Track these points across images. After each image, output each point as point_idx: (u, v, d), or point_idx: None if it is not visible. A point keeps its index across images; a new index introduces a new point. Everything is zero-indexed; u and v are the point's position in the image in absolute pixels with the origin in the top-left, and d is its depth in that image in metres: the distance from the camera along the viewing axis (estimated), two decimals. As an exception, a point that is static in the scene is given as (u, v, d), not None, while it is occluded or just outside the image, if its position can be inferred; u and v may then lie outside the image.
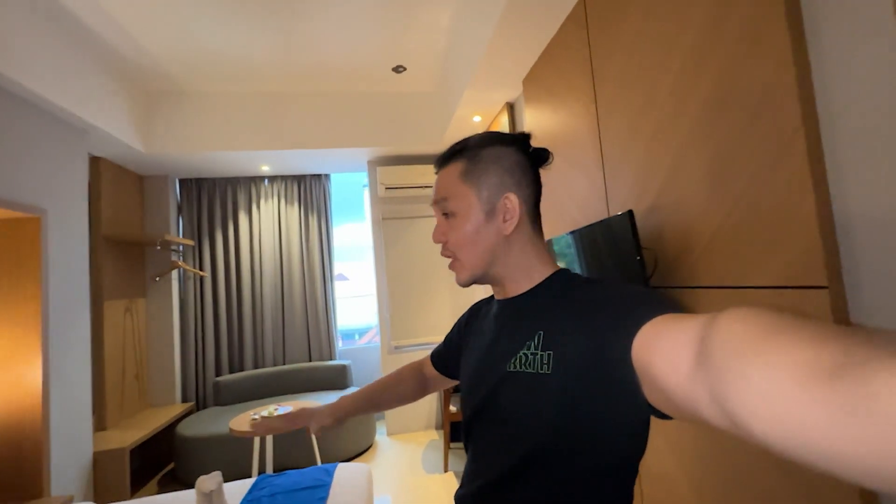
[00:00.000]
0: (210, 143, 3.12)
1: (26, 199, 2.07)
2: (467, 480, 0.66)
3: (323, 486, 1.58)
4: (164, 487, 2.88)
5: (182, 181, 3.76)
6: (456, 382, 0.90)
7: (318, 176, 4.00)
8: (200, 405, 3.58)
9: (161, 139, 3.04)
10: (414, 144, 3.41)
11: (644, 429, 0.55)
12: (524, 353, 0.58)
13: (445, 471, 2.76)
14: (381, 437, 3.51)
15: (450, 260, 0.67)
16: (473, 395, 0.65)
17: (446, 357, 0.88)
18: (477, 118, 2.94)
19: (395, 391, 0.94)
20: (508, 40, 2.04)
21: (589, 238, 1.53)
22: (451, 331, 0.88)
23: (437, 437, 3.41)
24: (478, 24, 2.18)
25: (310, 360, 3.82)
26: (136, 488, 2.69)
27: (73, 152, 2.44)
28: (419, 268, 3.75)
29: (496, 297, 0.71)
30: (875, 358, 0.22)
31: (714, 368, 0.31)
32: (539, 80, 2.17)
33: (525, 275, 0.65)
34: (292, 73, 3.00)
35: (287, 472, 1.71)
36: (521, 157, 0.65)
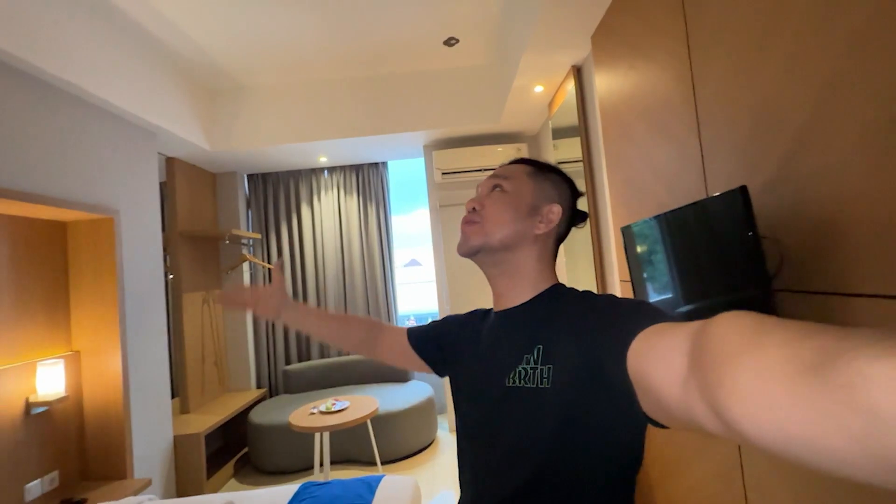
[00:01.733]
0: (269, 137, 3.14)
1: (100, 201, 2.20)
2: (467, 492, 0.65)
3: (363, 502, 1.45)
4: (239, 471, 3.04)
5: (250, 176, 3.90)
6: (419, 368, 0.88)
7: (376, 164, 3.92)
8: (273, 392, 3.75)
9: (224, 136, 3.13)
10: (470, 123, 3.15)
11: (641, 439, 0.56)
12: (523, 368, 0.58)
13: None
14: (443, 432, 3.40)
15: (478, 224, 0.67)
16: (472, 411, 0.66)
17: (425, 339, 0.86)
18: (539, 88, 2.60)
19: (341, 329, 0.92)
20: (572, -12, 1.69)
21: (679, 223, 1.19)
22: (440, 320, 0.87)
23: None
24: (535, -26, 1.85)
25: (372, 351, 3.80)
26: (214, 471, 2.86)
27: (143, 153, 2.56)
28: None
29: (495, 309, 0.71)
30: (848, 350, 0.23)
31: (705, 373, 0.31)
32: (612, 32, 1.79)
33: (529, 281, 0.66)
34: (342, 58, 2.89)
35: (331, 482, 1.62)
36: (572, 199, 0.71)
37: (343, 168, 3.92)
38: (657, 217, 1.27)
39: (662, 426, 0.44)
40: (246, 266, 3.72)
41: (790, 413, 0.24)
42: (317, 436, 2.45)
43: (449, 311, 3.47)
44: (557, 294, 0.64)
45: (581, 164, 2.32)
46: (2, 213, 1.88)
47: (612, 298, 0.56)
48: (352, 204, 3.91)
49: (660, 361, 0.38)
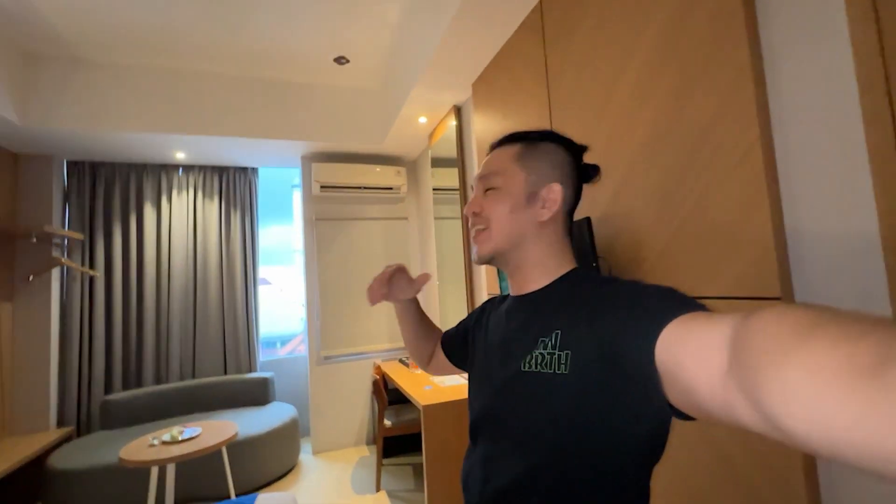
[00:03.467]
0: (111, 120, 2.67)
1: None
2: (475, 487, 0.62)
3: (237, 525, 1.34)
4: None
5: (71, 164, 3.19)
6: (455, 372, 0.90)
7: (244, 169, 3.63)
8: (82, 430, 3.01)
9: (44, 111, 2.54)
10: (354, 142, 3.23)
11: (663, 432, 0.53)
12: (540, 353, 0.56)
13: (377, 490, 2.58)
14: (305, 455, 3.22)
15: (474, 233, 0.66)
16: (482, 393, 0.65)
17: (452, 341, 0.87)
18: (423, 119, 2.85)
19: (423, 338, 0.93)
20: (460, 41, 1.98)
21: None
22: (467, 318, 0.86)
23: (367, 453, 3.20)
24: (428, 22, 2.09)
25: (225, 374, 3.41)
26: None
27: (-86, 115, 1.92)
28: (354, 273, 3.53)
29: (511, 293, 0.69)
30: None
31: (749, 370, 0.30)
32: (490, 83, 2.14)
33: (545, 269, 0.64)
34: (219, 52, 2.68)
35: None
36: (572, 161, 0.66)
37: (204, 168, 3.52)
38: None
39: (689, 418, 0.43)
40: (56, 273, 2.98)
41: (844, 416, 0.23)
42: (154, 473, 2.08)
43: (319, 334, 3.36)
44: (577, 279, 0.62)
45: (458, 192, 2.61)
46: None
47: (636, 284, 0.53)
48: (212, 209, 3.52)
49: (696, 354, 0.37)
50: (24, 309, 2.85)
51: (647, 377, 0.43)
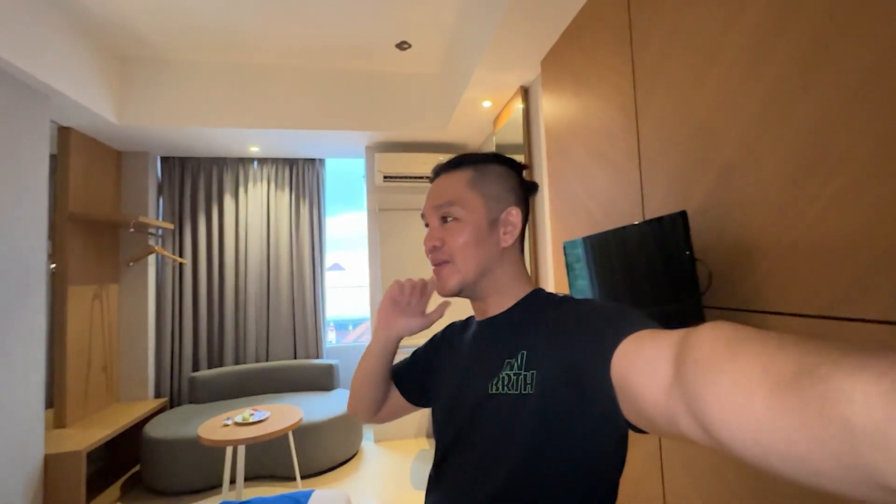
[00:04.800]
0: (193, 117, 2.84)
1: (-32, 169, 1.81)
2: None
3: (291, 522, 1.34)
4: (127, 493, 2.64)
5: (164, 159, 3.49)
6: (411, 411, 0.83)
7: (312, 160, 3.73)
8: (174, 402, 3.34)
9: (138, 110, 2.77)
10: (416, 130, 3.15)
11: (622, 446, 0.55)
12: (507, 374, 0.56)
13: (435, 488, 2.53)
14: (367, 443, 3.28)
15: (435, 266, 0.66)
16: (452, 421, 0.64)
17: (408, 377, 0.80)
18: (487, 103, 2.67)
19: (381, 382, 0.78)
20: (525, 15, 1.78)
21: (609, 243, 1.28)
22: (420, 348, 0.82)
23: (427, 446, 3.18)
24: (494, -6, 1.91)
25: (295, 358, 3.57)
26: (95, 494, 2.45)
27: (32, 118, 2.16)
28: (415, 262, 3.50)
29: (476, 318, 0.69)
30: (824, 363, 0.23)
31: (688, 382, 0.31)
32: (560, 60, 1.91)
33: (509, 291, 0.65)
34: (286, 45, 2.72)
35: (250, 501, 1.47)
36: (515, 178, 0.67)
37: (276, 161, 3.68)
38: (588, 238, 1.36)
39: (642, 431, 0.44)
40: (152, 259, 3.30)
41: (767, 424, 0.24)
42: (229, 450, 2.22)
43: (381, 318, 3.38)
44: (538, 300, 0.63)
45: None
46: None
47: (593, 303, 0.55)
48: (283, 200, 3.67)
49: (644, 369, 0.38)
50: (127, 291, 3.19)
51: (604, 394, 0.43)
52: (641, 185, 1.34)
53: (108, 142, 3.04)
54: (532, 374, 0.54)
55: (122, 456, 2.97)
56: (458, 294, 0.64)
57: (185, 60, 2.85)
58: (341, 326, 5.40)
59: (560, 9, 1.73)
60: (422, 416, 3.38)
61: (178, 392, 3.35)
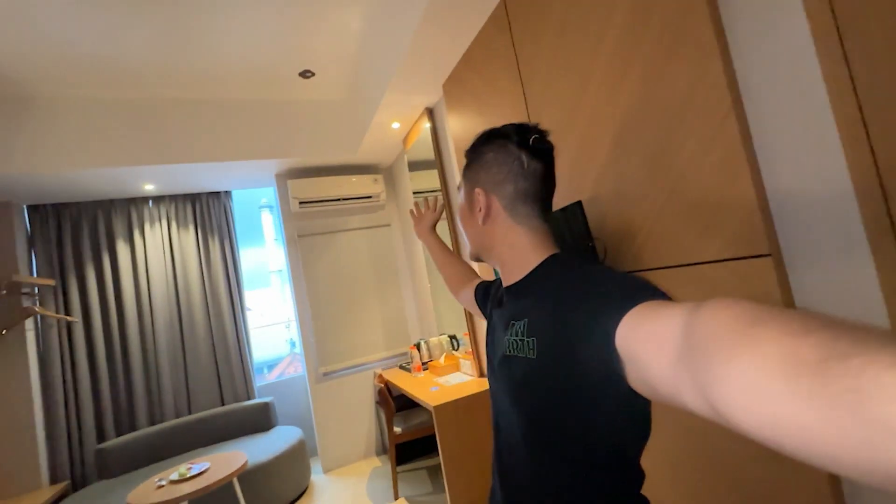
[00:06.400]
0: (72, 159, 2.56)
1: None
2: (502, 477, 0.68)
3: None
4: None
5: (32, 208, 3.04)
6: (476, 312, 1.03)
7: (217, 193, 3.55)
8: (79, 483, 2.88)
9: (-1, 156, 2.42)
10: (328, 154, 3.21)
11: (636, 418, 0.55)
12: (514, 339, 0.61)
13: (396, 498, 2.57)
14: (316, 475, 3.17)
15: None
16: (491, 373, 0.72)
17: (482, 293, 0.98)
18: (396, 124, 2.86)
19: (450, 264, 1.18)
20: (426, 43, 2.01)
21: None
22: (491, 283, 0.95)
23: (379, 463, 3.18)
24: (393, 29, 2.11)
25: (223, 404, 3.32)
26: None
27: None
28: (344, 285, 3.51)
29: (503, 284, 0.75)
30: (857, 353, 0.22)
31: (698, 358, 0.31)
32: (461, 82, 2.17)
33: (517, 264, 0.67)
34: (182, 76, 2.62)
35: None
36: (515, 149, 0.66)
37: (175, 197, 3.42)
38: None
39: (645, 400, 0.47)
40: (30, 323, 2.84)
41: (788, 411, 0.24)
42: (166, 513, 2.02)
43: (315, 351, 3.32)
44: (551, 267, 0.63)
45: (440, 192, 2.63)
46: None
47: (603, 272, 0.55)
48: (188, 238, 3.42)
49: (650, 341, 0.39)
50: (0, 365, 2.71)
51: (606, 362, 0.45)
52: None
53: (-43, 194, 2.58)
54: (533, 340, 0.57)
55: (15, 562, 2.48)
56: (476, 261, 0.77)
57: (56, 97, 2.57)
58: (256, 371, 5.07)
59: (457, 37, 1.98)
60: (368, 436, 3.37)
61: (81, 471, 2.90)
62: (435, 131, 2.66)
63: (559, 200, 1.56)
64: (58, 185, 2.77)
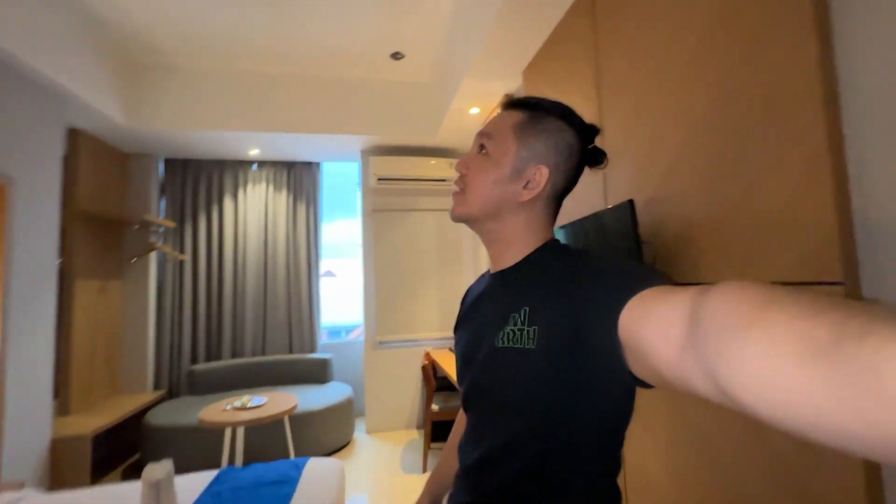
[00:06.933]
0: (197, 121, 3.00)
1: (-9, 165, 1.95)
2: (464, 454, 0.65)
3: (290, 482, 1.48)
4: (128, 478, 2.75)
5: (168, 161, 3.63)
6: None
7: (309, 164, 3.90)
8: (173, 394, 3.45)
9: (146, 114, 2.92)
10: (408, 135, 3.33)
11: (630, 398, 0.56)
12: (511, 329, 0.57)
13: (424, 472, 2.67)
14: (359, 434, 3.41)
15: (463, 193, 0.64)
16: (468, 371, 0.65)
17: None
18: (474, 110, 2.86)
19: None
20: (509, 30, 1.97)
21: (584, 230, 1.46)
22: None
23: (417, 436, 3.32)
24: (479, 13, 2.11)
25: (290, 352, 3.70)
26: (98, 477, 2.56)
27: (48, 119, 2.31)
28: (408, 263, 3.66)
29: (491, 271, 0.69)
30: (872, 332, 0.22)
31: (707, 343, 0.31)
32: (540, 70, 2.10)
33: (520, 246, 0.64)
34: (286, 54, 2.90)
35: (253, 465, 1.61)
36: (577, 144, 0.63)
37: (275, 163, 3.84)
38: (566, 226, 1.53)
39: (648, 386, 0.46)
40: (153, 256, 3.43)
41: (802, 393, 0.24)
42: (227, 432, 2.34)
43: (375, 320, 3.53)
44: (548, 253, 0.62)
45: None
46: None
47: (603, 258, 0.55)
48: (281, 202, 3.82)
49: (656, 327, 0.38)
50: (129, 286, 3.32)
51: (611, 349, 0.44)
52: (605, 180, 1.52)
53: (116, 144, 3.18)
54: (534, 329, 0.54)
55: (122, 444, 3.06)
56: (463, 221, 0.65)
57: (192, 67, 3.02)
58: (335, 334, 5.50)
59: (539, 26, 1.92)
60: (412, 408, 3.52)
61: (176, 384, 3.46)
62: (512, 119, 2.62)
63: (613, 197, 1.46)
64: (186, 142, 3.26)
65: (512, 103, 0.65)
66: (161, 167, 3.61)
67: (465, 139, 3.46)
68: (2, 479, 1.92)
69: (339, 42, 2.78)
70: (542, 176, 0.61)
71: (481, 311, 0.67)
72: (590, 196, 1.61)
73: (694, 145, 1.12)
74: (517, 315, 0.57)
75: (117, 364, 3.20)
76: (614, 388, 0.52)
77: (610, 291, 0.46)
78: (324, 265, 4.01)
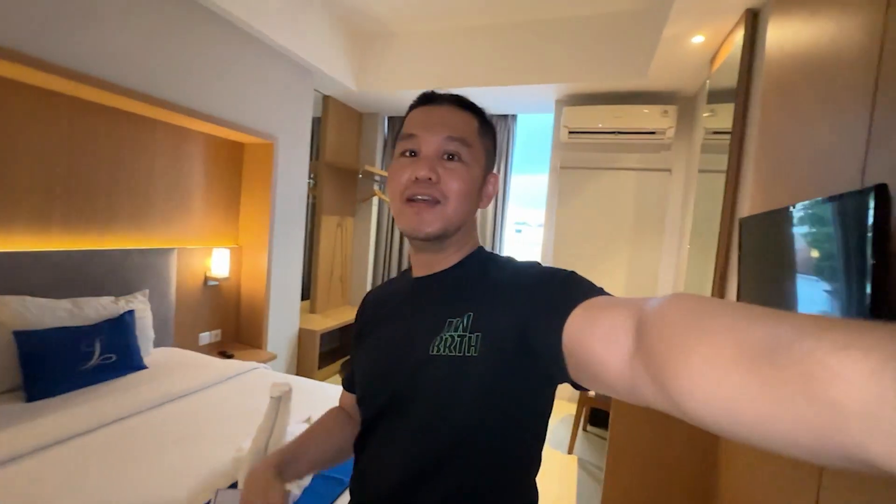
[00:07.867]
0: (407, 81, 3.32)
1: (265, 128, 2.68)
2: (371, 484, 0.59)
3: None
4: (344, 369, 3.63)
5: (390, 118, 4.22)
6: None
7: (504, 116, 3.84)
8: (381, 314, 4.26)
9: (371, 79, 3.41)
10: (610, 79, 2.83)
11: (552, 394, 0.58)
12: (450, 335, 0.54)
13: (569, 452, 2.53)
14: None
15: (422, 199, 0.58)
16: (388, 383, 0.59)
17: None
18: (698, 38, 2.16)
19: (330, 446, 0.71)
20: None
21: (814, 219, 0.95)
22: (353, 339, 0.73)
23: (573, 412, 3.13)
24: None
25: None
26: (324, 364, 3.48)
27: (300, 89, 2.98)
28: (596, 225, 3.28)
29: (414, 275, 0.65)
30: (802, 339, 0.22)
31: (655, 355, 0.31)
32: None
33: (453, 249, 0.63)
34: (479, 5, 2.81)
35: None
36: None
37: (473, 118, 3.95)
38: (814, 202, 1.02)
39: (585, 389, 0.46)
40: (375, 200, 4.15)
41: (743, 400, 0.24)
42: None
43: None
44: (483, 258, 0.63)
45: (727, 136, 1.92)
46: (199, 131, 2.45)
47: (539, 267, 0.56)
48: (475, 155, 3.96)
49: (602, 338, 0.38)
50: (358, 223, 4.16)
51: (551, 357, 0.44)
52: (868, 139, 0.92)
53: (352, 105, 3.88)
54: (477, 336, 0.52)
55: (345, 343, 4.04)
56: (434, 239, 0.59)
57: (407, 32, 3.30)
58: None
59: None
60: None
61: (384, 307, 4.26)
62: (752, 44, 1.86)
63: (875, 174, 0.87)
64: (400, 101, 3.69)
65: (460, 102, 0.64)
66: (385, 124, 4.23)
67: (687, 79, 2.70)
68: (266, 350, 2.82)
69: (533, -22, 2.50)
70: (496, 184, 0.64)
71: (404, 317, 0.62)
72: (839, 165, 1.02)
73: None
74: (459, 320, 0.54)
75: (347, 281, 4.15)
76: (546, 389, 0.56)
77: (553, 301, 0.46)
78: (513, 219, 4.04)
